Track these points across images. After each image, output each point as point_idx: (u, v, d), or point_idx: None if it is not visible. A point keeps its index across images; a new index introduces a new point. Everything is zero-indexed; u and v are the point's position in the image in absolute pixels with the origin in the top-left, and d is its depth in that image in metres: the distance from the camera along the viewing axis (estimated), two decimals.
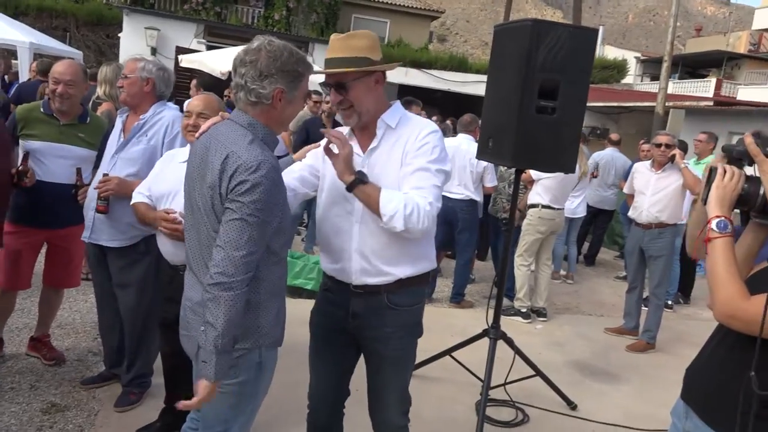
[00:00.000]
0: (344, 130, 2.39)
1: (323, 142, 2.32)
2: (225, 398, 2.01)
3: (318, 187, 2.40)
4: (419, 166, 2.17)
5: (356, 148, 2.31)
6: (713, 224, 1.67)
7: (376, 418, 2.50)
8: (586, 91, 3.43)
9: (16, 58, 9.58)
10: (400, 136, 2.25)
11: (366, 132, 2.30)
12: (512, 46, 3.41)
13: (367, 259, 2.26)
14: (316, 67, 2.20)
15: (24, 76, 9.01)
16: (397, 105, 2.35)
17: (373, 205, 2.11)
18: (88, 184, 3.38)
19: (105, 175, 3.16)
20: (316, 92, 6.76)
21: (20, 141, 3.48)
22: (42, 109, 3.49)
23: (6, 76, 8.38)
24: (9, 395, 3.37)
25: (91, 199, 3.23)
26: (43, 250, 3.73)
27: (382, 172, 2.22)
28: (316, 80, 2.35)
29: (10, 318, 3.91)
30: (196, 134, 2.10)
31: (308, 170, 2.39)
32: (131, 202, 2.93)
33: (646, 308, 5.54)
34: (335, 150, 2.15)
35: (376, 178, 2.19)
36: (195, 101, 2.85)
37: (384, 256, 2.26)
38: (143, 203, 2.89)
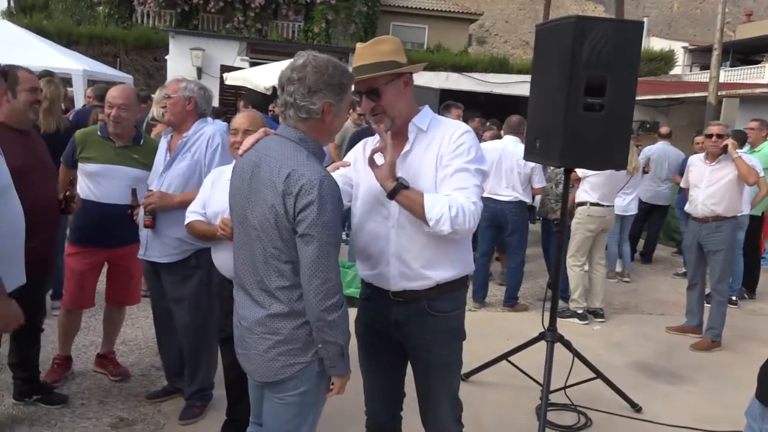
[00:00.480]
0: (376, 137, 2.39)
1: (352, 152, 2.41)
2: (288, 409, 2.04)
3: (352, 196, 2.42)
4: (458, 167, 2.17)
5: None
6: None
7: (430, 427, 2.49)
8: (634, 86, 3.35)
9: (71, 86, 9.98)
10: (432, 139, 2.25)
11: (398, 137, 2.30)
12: (555, 45, 3.37)
13: (406, 263, 2.26)
14: None
15: (79, 102, 9.38)
16: (427, 108, 2.37)
17: (417, 210, 2.10)
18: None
19: (150, 191, 3.29)
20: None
21: (79, 164, 3.63)
22: (99, 133, 3.64)
23: (63, 103, 8.72)
24: (80, 411, 3.50)
25: (142, 218, 3.35)
26: (105, 270, 3.86)
27: (417, 175, 2.23)
28: None
29: (77, 336, 4.06)
30: (240, 150, 2.14)
31: (342, 180, 2.39)
32: (186, 222, 3.01)
33: (709, 305, 5.34)
34: (379, 160, 2.16)
35: (412, 182, 2.19)
36: (239, 118, 2.92)
37: (422, 259, 2.25)
38: (198, 221, 2.95)
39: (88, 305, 3.85)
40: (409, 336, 2.36)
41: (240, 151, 2.12)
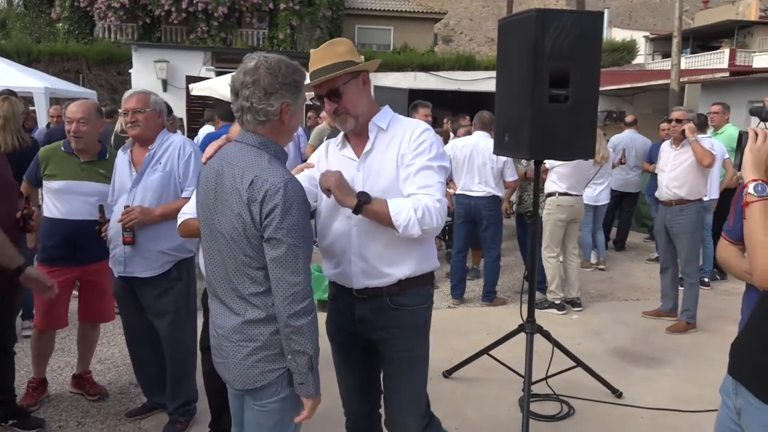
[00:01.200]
0: (338, 138, 2.41)
1: (316, 154, 2.44)
2: (269, 417, 2.02)
3: (317, 197, 2.41)
4: (421, 166, 2.18)
5: (350, 153, 2.34)
6: (750, 188, 1.64)
7: (389, 422, 2.49)
8: (597, 75, 3.40)
9: (32, 105, 9.81)
10: (392, 137, 2.26)
11: (360, 137, 2.32)
12: (518, 39, 3.40)
13: (367, 261, 2.27)
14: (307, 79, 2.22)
15: (42, 120, 9.21)
16: (387, 108, 2.38)
17: (384, 220, 2.12)
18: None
19: (126, 207, 3.21)
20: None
21: (44, 182, 3.55)
22: (63, 148, 3.57)
23: (25, 123, 8.56)
24: None
25: (116, 234, 3.27)
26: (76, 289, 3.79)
27: (378, 174, 2.24)
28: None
29: (52, 358, 3.98)
30: (203, 159, 2.11)
31: (308, 181, 2.38)
32: (178, 222, 2.92)
33: (683, 288, 5.44)
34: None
35: (374, 181, 2.22)
36: (236, 127, 2.87)
37: (383, 257, 2.27)
38: (191, 218, 2.88)
39: (62, 326, 3.77)
40: (373, 331, 2.37)
41: (203, 159, 2.10)
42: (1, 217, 2.98)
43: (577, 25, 3.25)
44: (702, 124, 6.59)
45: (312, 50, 2.29)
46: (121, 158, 3.41)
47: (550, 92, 3.27)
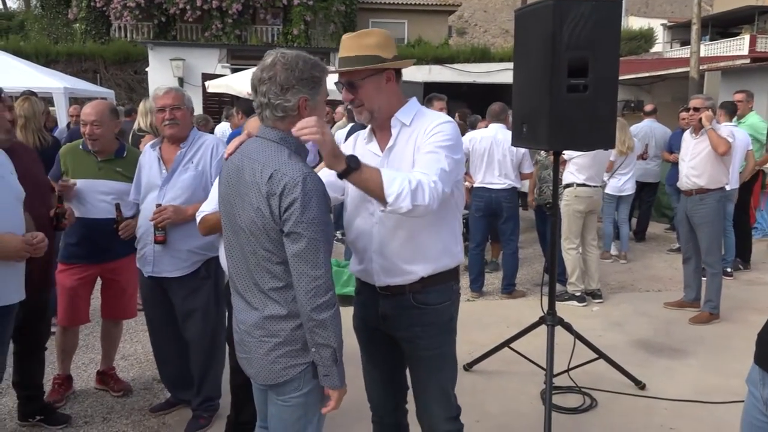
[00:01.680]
0: (365, 132, 2.40)
1: (343, 147, 2.33)
2: (292, 411, 2.03)
3: (344, 190, 2.40)
4: (428, 150, 2.13)
5: (375, 148, 2.33)
6: None
7: (422, 422, 2.47)
8: (616, 64, 3.35)
9: (52, 105, 9.92)
10: (413, 131, 2.24)
11: (384, 131, 2.31)
12: (535, 29, 3.37)
13: (387, 259, 2.26)
14: (330, 68, 2.21)
15: (62, 120, 9.32)
16: (413, 102, 2.33)
17: (375, 189, 1.99)
18: (129, 218, 3.48)
19: (158, 205, 3.20)
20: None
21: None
22: (81, 147, 3.61)
23: (46, 123, 8.67)
24: (84, 429, 3.47)
25: (146, 233, 3.29)
26: (98, 286, 3.83)
27: (400, 169, 2.19)
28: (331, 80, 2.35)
29: (76, 355, 4.03)
30: (225, 155, 2.12)
31: (335, 175, 2.39)
32: (198, 220, 2.89)
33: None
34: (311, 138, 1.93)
35: None
36: (254, 122, 2.87)
37: (403, 255, 2.25)
38: (209, 213, 2.85)
39: (83, 321, 3.81)
40: (397, 329, 2.36)
41: (225, 156, 2.10)
42: (36, 215, 3.03)
43: (595, 14, 3.20)
44: (731, 112, 6.50)
45: (344, 35, 2.26)
46: (150, 155, 3.40)
47: (569, 82, 3.23)
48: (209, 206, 2.91)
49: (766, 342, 1.76)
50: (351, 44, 2.21)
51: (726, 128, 5.45)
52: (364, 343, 2.52)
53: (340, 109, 9.03)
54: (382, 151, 2.29)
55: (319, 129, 1.87)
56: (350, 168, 1.97)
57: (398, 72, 2.29)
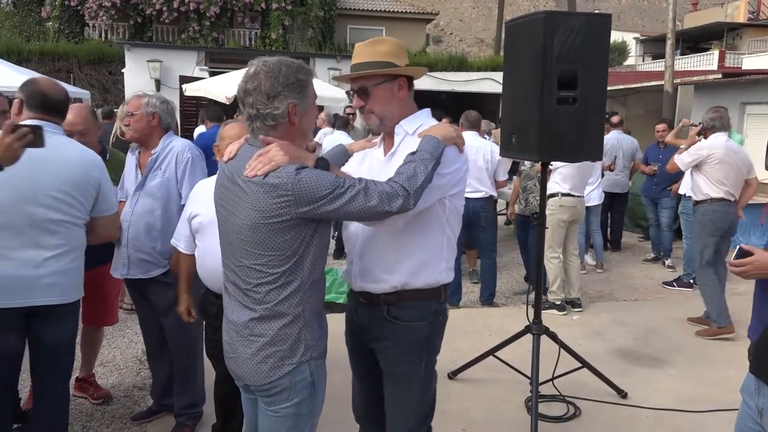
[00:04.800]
0: (377, 138, 2.42)
1: (376, 139, 2.39)
2: (283, 422, 2.01)
3: None
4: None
5: (380, 154, 2.34)
6: None
7: None
8: (605, 78, 3.43)
9: None
10: (416, 142, 2.19)
11: (390, 138, 2.32)
12: (526, 41, 3.41)
13: (365, 263, 2.26)
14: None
15: None
16: (422, 112, 2.33)
17: None
18: None
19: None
20: None
21: None
22: None
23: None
24: None
25: (121, 237, 3.28)
26: None
27: None
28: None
29: None
30: (224, 159, 2.09)
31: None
32: (174, 246, 3.06)
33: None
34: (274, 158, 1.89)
35: None
36: (229, 130, 2.87)
37: (380, 261, 2.23)
38: (185, 256, 3.02)
39: None
40: (370, 341, 2.34)
41: (225, 159, 2.09)
42: None
43: (585, 28, 3.27)
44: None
45: (357, 44, 2.27)
46: (130, 160, 3.43)
47: (559, 94, 3.28)
48: (180, 237, 3.02)
49: (762, 352, 1.79)
50: (364, 51, 2.22)
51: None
52: (349, 352, 2.52)
53: (321, 115, 8.99)
54: (384, 156, 2.30)
55: (265, 162, 1.85)
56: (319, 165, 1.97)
57: (410, 80, 2.29)
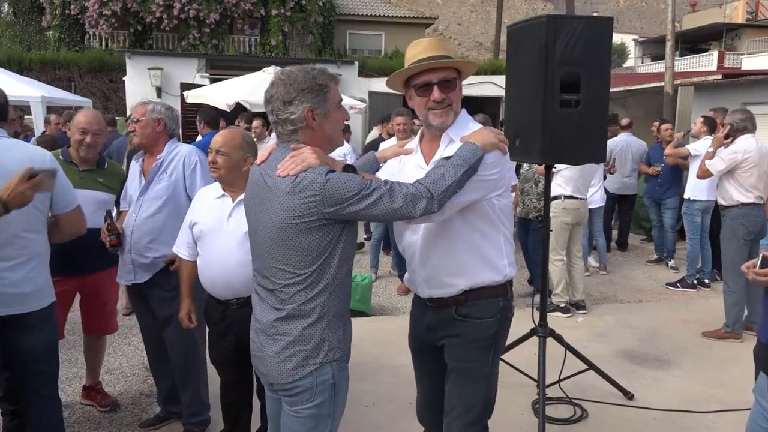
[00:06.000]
0: (412, 144, 2.42)
1: (410, 143, 2.41)
2: (304, 423, 2.03)
3: None
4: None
5: (420, 161, 2.33)
6: None
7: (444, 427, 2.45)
8: (607, 80, 3.43)
9: (28, 114, 9.76)
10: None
11: (431, 144, 2.32)
12: (529, 44, 3.42)
13: (430, 271, 2.31)
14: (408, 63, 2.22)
15: (39, 129, 9.16)
16: (463, 116, 2.32)
17: None
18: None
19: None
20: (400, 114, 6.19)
21: None
22: (61, 157, 3.54)
23: (20, 131, 8.52)
24: None
25: (125, 243, 3.31)
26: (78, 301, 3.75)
27: None
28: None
29: (61, 369, 3.92)
30: (258, 161, 2.13)
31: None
32: (176, 254, 3.07)
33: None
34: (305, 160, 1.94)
35: None
36: (217, 137, 2.91)
37: (444, 267, 2.28)
38: (189, 264, 3.02)
39: (59, 337, 3.71)
40: (440, 339, 2.39)
41: (258, 162, 2.12)
42: None
43: (587, 31, 3.27)
44: (712, 127, 6.64)
45: (416, 41, 2.28)
46: (134, 167, 3.44)
47: (562, 97, 3.29)
48: (182, 244, 3.03)
49: None
50: (434, 45, 2.23)
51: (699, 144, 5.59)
52: (413, 356, 2.58)
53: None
54: (427, 164, 2.27)
55: (297, 162, 1.90)
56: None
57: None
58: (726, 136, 5.20)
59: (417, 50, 2.24)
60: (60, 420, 2.95)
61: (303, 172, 1.87)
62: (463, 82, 2.32)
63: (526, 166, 6.11)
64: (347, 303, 2.11)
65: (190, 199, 3.28)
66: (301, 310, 1.97)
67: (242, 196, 2.53)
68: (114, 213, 3.57)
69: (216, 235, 2.82)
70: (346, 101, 11.73)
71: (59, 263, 3.43)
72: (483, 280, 2.31)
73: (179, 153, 3.36)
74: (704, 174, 5.36)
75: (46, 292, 2.78)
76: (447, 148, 2.24)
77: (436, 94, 2.20)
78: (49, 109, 10.06)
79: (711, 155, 5.28)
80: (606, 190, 8.05)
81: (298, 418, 2.01)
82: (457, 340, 2.34)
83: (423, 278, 2.34)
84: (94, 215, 3.39)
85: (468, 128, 2.26)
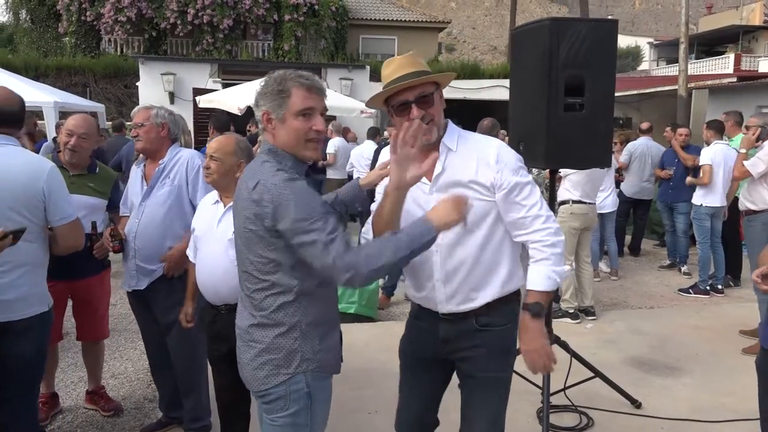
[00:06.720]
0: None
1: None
2: (281, 431, 2.02)
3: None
4: (515, 183, 2.14)
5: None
6: None
7: None
8: (613, 83, 3.39)
9: (40, 118, 9.85)
10: (464, 159, 2.18)
11: (428, 152, 2.16)
12: (532, 47, 3.39)
13: (452, 288, 2.23)
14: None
15: (51, 134, 9.23)
16: (451, 126, 2.28)
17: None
18: (101, 234, 3.44)
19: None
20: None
21: None
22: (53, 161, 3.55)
23: (33, 135, 8.60)
24: None
25: (128, 249, 3.30)
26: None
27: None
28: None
29: (64, 373, 3.96)
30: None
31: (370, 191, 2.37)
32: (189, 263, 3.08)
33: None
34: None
35: None
36: (212, 143, 2.94)
37: (469, 282, 2.22)
38: (194, 266, 3.01)
39: (57, 339, 3.70)
40: (458, 351, 2.31)
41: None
42: None
43: (591, 33, 3.24)
44: (719, 130, 6.55)
45: (389, 59, 2.22)
46: (135, 172, 3.44)
47: (566, 101, 3.26)
48: (191, 250, 3.03)
49: None
50: (407, 62, 2.16)
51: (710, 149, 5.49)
52: (410, 370, 2.47)
53: (329, 126, 9.06)
54: (430, 180, 2.19)
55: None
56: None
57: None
58: (757, 139, 5.19)
59: (390, 69, 2.17)
60: (35, 430, 2.91)
61: (261, 185, 1.89)
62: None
63: (534, 170, 6.06)
64: (328, 312, 2.08)
65: (192, 204, 3.29)
66: (272, 318, 1.97)
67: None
68: (104, 220, 3.59)
69: (207, 240, 2.84)
70: (357, 105, 11.73)
71: (50, 267, 3.45)
72: (508, 289, 2.27)
73: (182, 157, 3.36)
74: (742, 175, 5.23)
75: (33, 300, 2.72)
76: (447, 158, 2.19)
77: (414, 112, 2.12)
78: (63, 115, 10.15)
79: (744, 156, 5.21)
80: (622, 194, 7.99)
81: (274, 426, 2.00)
82: (481, 351, 2.26)
83: (447, 295, 2.24)
84: (84, 220, 3.40)
85: (456, 134, 2.22)
